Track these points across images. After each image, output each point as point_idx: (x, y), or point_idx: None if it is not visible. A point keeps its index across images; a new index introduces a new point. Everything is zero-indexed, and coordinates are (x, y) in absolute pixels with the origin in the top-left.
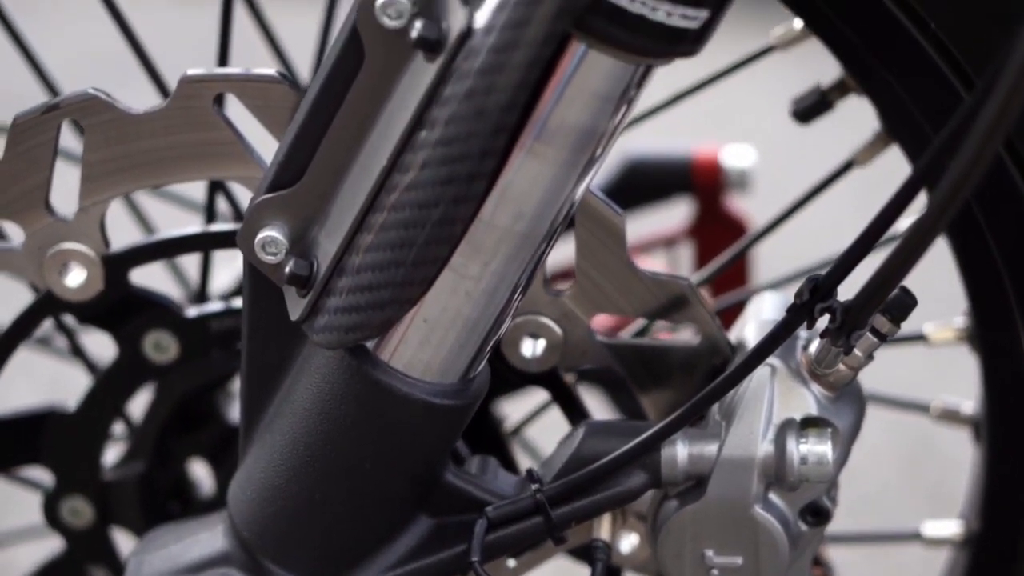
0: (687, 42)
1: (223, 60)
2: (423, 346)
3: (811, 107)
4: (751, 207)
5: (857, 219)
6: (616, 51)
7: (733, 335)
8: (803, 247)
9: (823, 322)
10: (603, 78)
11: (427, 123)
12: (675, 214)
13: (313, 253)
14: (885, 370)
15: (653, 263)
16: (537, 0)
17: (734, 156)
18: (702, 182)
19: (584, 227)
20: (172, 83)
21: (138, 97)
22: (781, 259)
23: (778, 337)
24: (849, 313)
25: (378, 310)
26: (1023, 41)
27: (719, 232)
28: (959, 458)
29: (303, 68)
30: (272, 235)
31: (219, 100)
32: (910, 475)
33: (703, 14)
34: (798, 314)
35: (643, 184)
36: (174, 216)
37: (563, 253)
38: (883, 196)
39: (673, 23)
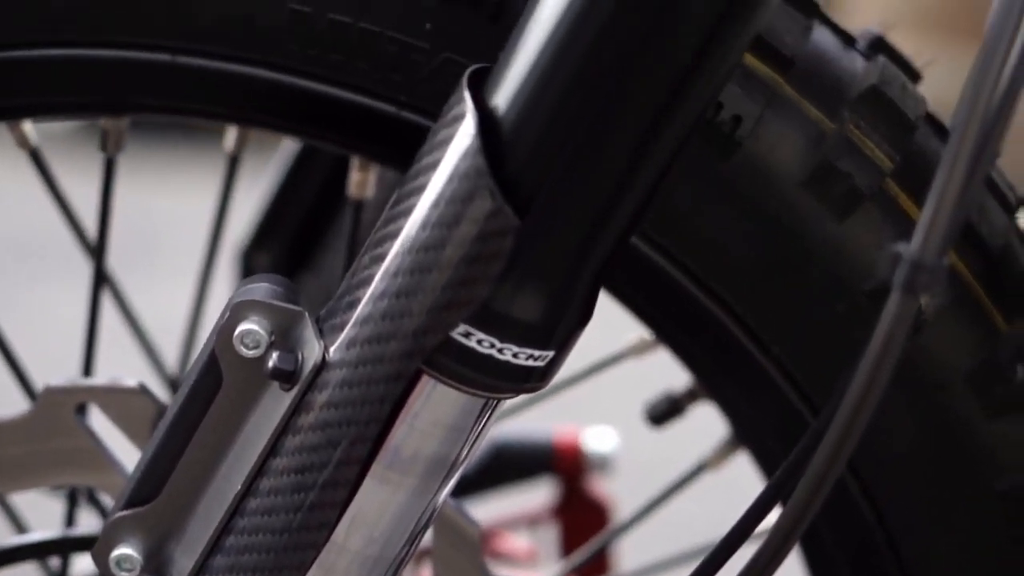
0: (534, 379)
1: (87, 369)
2: None
3: (664, 413)
4: (615, 488)
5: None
6: (465, 387)
7: None
8: (668, 531)
9: None
10: (453, 411)
11: (280, 450)
12: (541, 492)
13: (168, 570)
14: None
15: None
16: (388, 339)
17: (595, 439)
18: (563, 465)
19: (440, 536)
20: None
21: None
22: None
23: None
24: None
25: None
26: (860, 372)
27: (582, 513)
28: None
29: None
30: (127, 552)
31: (81, 409)
32: None
33: (549, 353)
34: None
35: (506, 467)
36: (34, 502)
37: None
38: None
39: (520, 363)
